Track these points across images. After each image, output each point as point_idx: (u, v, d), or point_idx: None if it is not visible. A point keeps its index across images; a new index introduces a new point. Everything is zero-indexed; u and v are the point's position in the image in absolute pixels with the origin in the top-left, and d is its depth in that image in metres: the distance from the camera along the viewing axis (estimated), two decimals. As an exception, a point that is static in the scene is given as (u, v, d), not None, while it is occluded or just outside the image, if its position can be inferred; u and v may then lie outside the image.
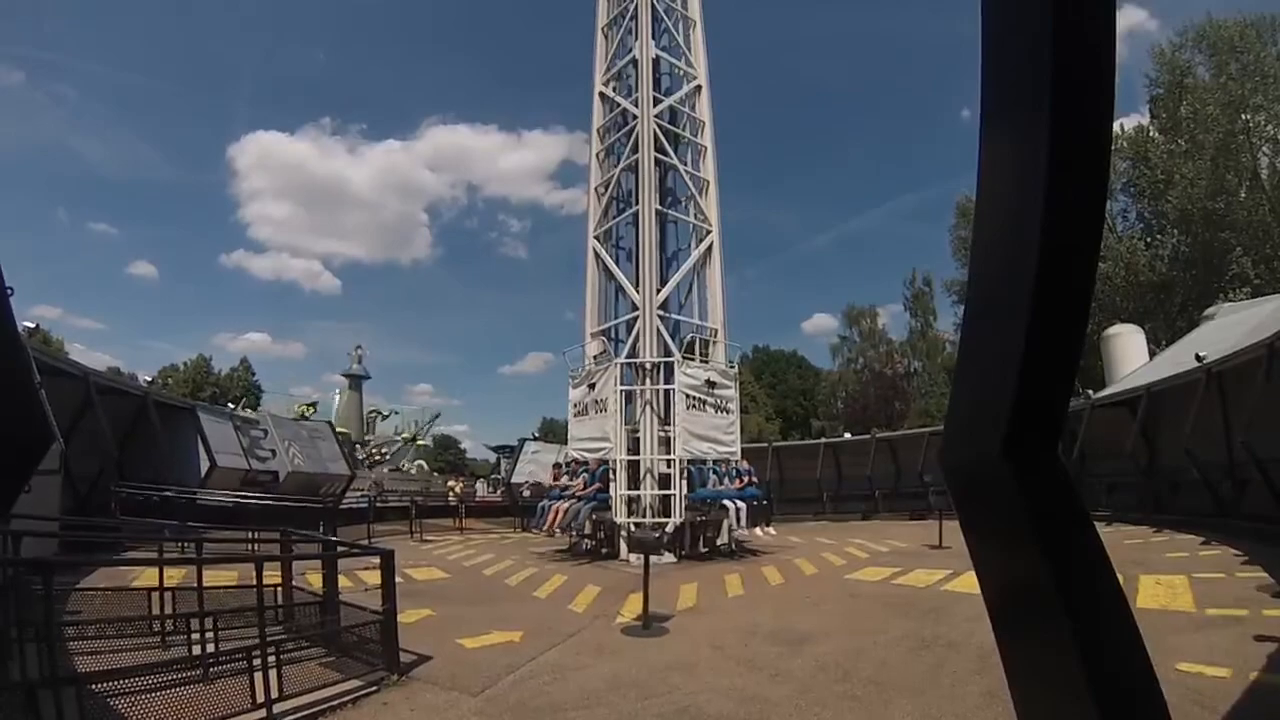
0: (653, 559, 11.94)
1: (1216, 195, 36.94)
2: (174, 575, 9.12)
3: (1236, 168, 36.97)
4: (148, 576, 9.21)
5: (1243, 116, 36.38)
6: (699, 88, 22.07)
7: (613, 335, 21.41)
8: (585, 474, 18.99)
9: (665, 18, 22.16)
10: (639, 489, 18.21)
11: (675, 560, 17.47)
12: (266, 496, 20.52)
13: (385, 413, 64.16)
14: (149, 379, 47.39)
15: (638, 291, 19.72)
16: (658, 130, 20.62)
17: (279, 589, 8.49)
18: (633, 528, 17.69)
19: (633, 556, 16.66)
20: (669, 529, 17.62)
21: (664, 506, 17.97)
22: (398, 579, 8.11)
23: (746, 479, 19.38)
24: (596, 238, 21.63)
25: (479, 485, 45.35)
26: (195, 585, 8.23)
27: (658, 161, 20.66)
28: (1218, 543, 13.60)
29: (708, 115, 22.04)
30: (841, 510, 30.83)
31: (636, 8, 21.72)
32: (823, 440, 35.32)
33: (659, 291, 19.73)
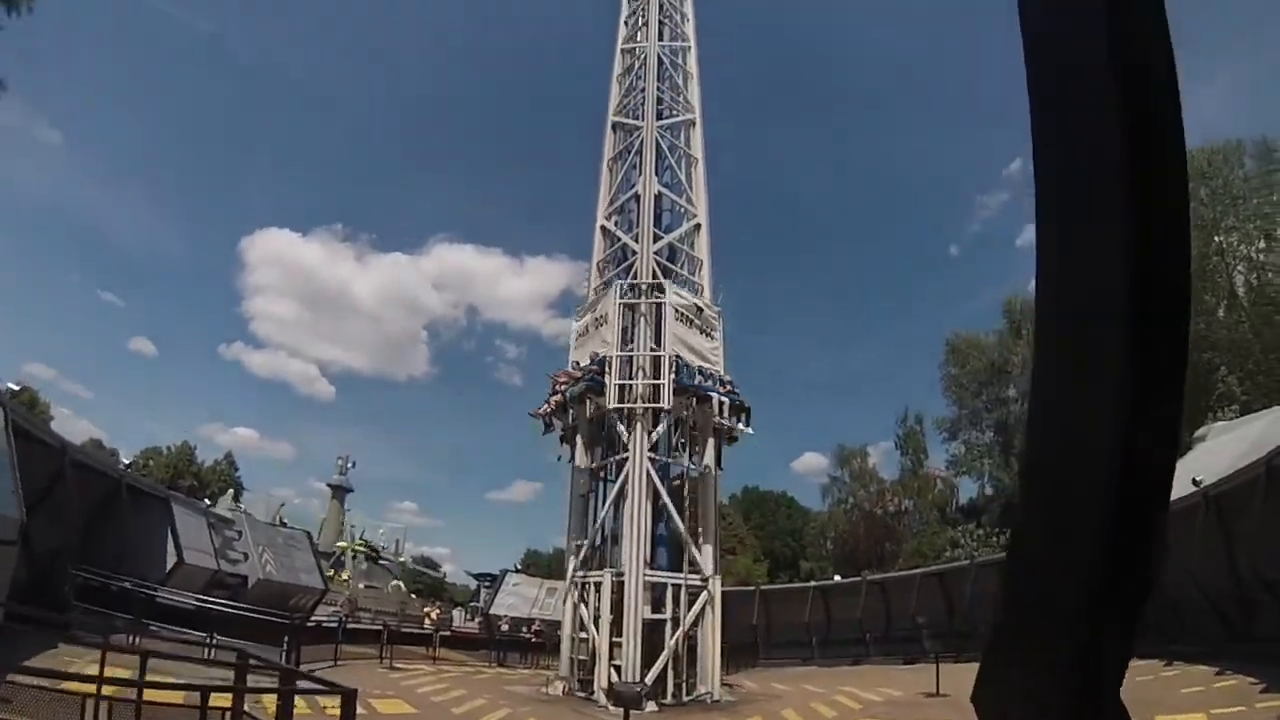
0: (633, 711, 11.31)
1: (1197, 316, 37.78)
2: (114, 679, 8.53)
3: (1214, 288, 37.78)
4: (87, 672, 8.62)
5: (1216, 238, 37.59)
6: (698, 225, 23.05)
7: (601, 475, 21.35)
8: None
9: (669, 154, 23.59)
10: (620, 637, 17.55)
11: (656, 709, 16.54)
12: (231, 605, 19.55)
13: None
14: (126, 463, 46.40)
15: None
16: (656, 267, 21.25)
17: (227, 714, 7.91)
18: (614, 676, 16.93)
19: (612, 706, 15.78)
20: (649, 679, 16.87)
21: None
22: (360, 710, 7.57)
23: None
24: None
25: (456, 613, 43.46)
26: (135, 699, 7.68)
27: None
28: (1232, 672, 12.80)
29: (706, 254, 22.86)
30: (831, 655, 29.41)
31: (642, 143, 23.08)
32: (812, 584, 34.34)
33: (650, 434, 19.46)
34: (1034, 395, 1.00)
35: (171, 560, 19.21)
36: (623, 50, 25.92)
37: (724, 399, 20.24)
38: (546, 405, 20.93)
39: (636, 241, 21.95)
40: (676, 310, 19.98)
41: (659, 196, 22.93)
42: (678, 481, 20.25)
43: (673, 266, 22.51)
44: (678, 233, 23.10)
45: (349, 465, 63.73)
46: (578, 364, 20.85)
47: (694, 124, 24.22)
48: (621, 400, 18.94)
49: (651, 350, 19.33)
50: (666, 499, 18.97)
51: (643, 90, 24.14)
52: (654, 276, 21.02)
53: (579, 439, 20.86)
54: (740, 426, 20.87)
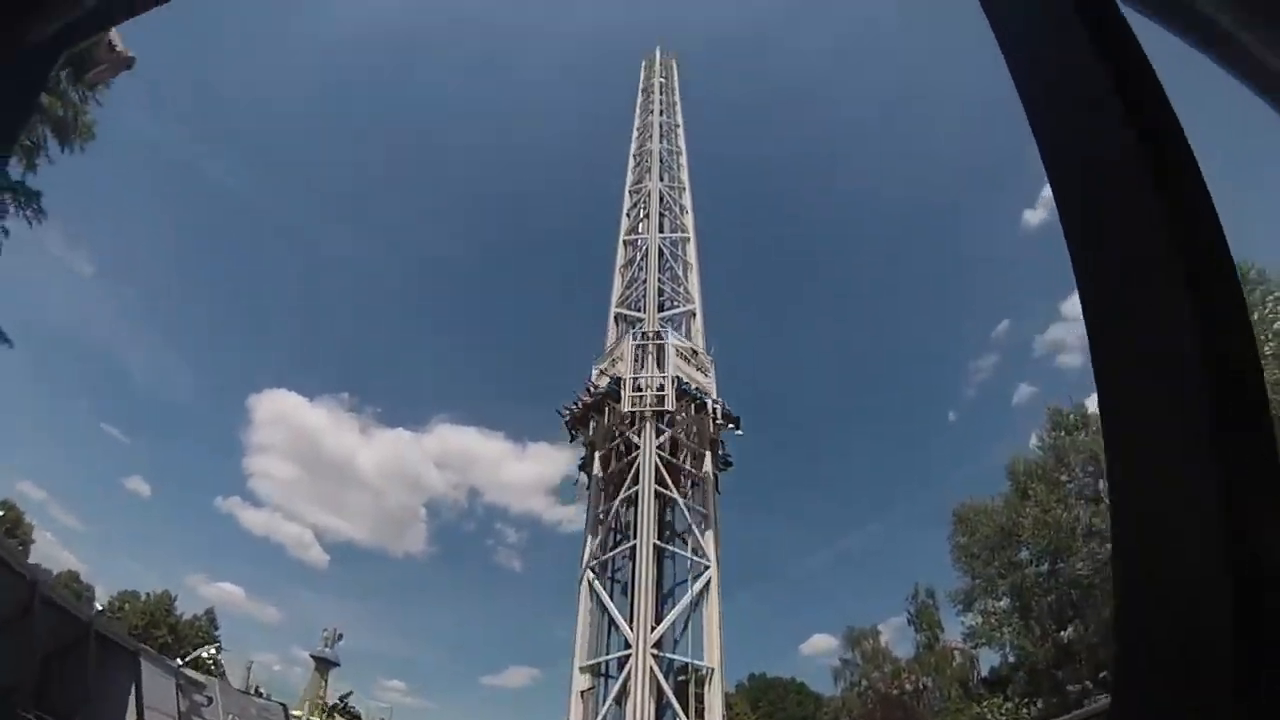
0: None
1: None
2: None
3: None
4: None
5: None
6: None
7: (603, 670, 19.64)
8: None
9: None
10: None
11: None
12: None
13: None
14: (100, 606, 43.31)
15: (632, 629, 18.39)
16: (659, 462, 20.32)
17: None
18: None
19: None
20: None
21: None
22: None
23: None
24: (591, 568, 20.59)
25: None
26: None
27: (658, 495, 20.11)
28: None
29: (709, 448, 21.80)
30: None
31: (643, 335, 22.47)
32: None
33: (654, 629, 18.42)
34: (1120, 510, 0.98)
35: (131, 720, 17.04)
36: (625, 242, 26.18)
37: (716, 405, 22.35)
38: (575, 405, 22.78)
39: (639, 437, 20.87)
40: (677, 349, 22.17)
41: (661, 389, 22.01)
42: (683, 677, 19.04)
43: (675, 461, 21.42)
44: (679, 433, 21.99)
45: (336, 638, 59.42)
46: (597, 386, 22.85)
47: (694, 315, 24.04)
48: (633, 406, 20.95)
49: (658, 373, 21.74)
50: (670, 696, 17.66)
51: (644, 282, 23.91)
52: (656, 480, 19.74)
53: (596, 455, 22.21)
54: (732, 428, 22.77)
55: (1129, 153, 0.97)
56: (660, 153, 28.38)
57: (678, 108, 31.54)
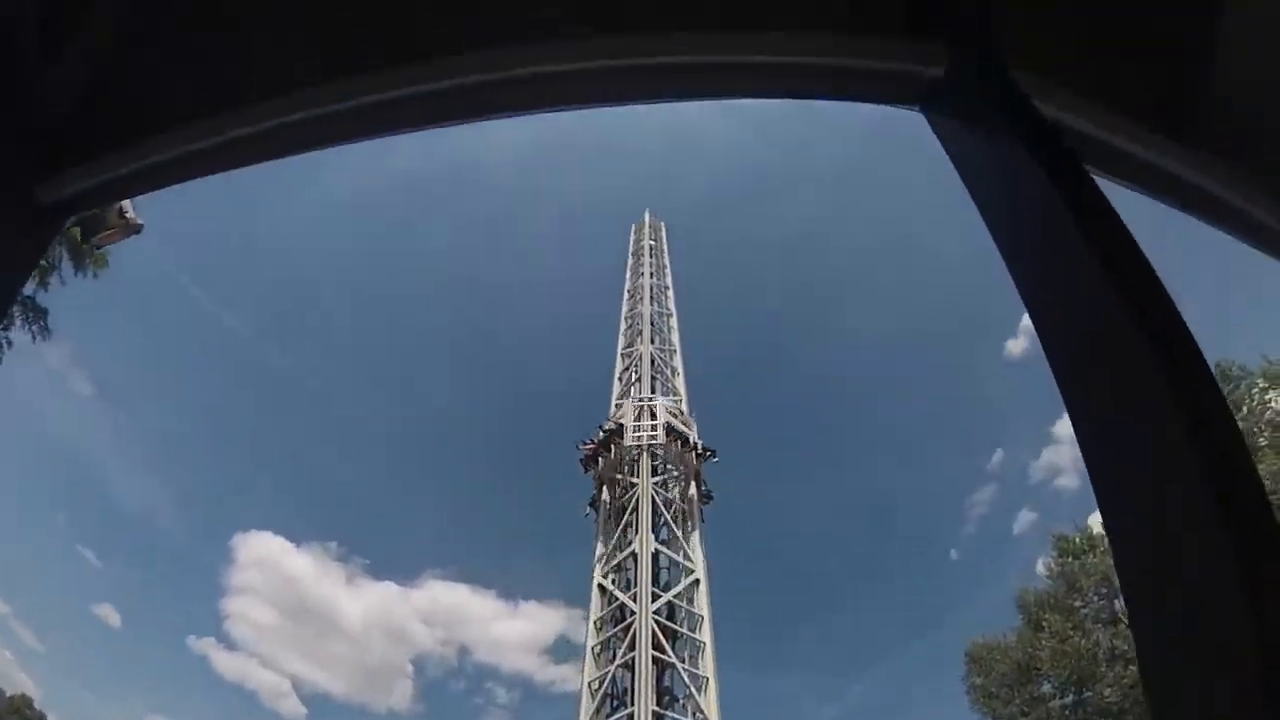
0: None
1: None
2: None
3: None
4: None
5: None
6: (697, 581, 22.58)
7: None
8: None
9: (664, 510, 23.62)
10: None
11: None
12: None
13: None
14: None
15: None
16: (656, 627, 20.62)
17: None
18: None
19: None
20: None
21: None
22: None
23: None
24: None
25: None
26: None
27: (655, 660, 20.31)
28: None
29: (706, 609, 22.24)
30: None
31: (637, 501, 23.24)
32: None
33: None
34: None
35: None
36: (616, 405, 27.30)
37: (697, 440, 26.50)
38: (592, 442, 26.37)
39: (634, 601, 21.28)
40: (667, 409, 26.49)
41: (656, 555, 22.72)
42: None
43: (673, 625, 21.78)
44: (676, 590, 22.76)
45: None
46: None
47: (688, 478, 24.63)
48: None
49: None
50: None
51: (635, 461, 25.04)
52: (653, 644, 20.01)
53: (604, 487, 25.39)
54: (710, 455, 26.43)
55: (1100, 290, 1.04)
56: (651, 315, 30.19)
57: (667, 270, 33.62)
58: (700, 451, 26.12)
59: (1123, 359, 1.03)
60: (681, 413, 27.25)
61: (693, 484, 25.06)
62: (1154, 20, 1.80)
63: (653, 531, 23.04)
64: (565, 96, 1.87)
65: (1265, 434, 28.72)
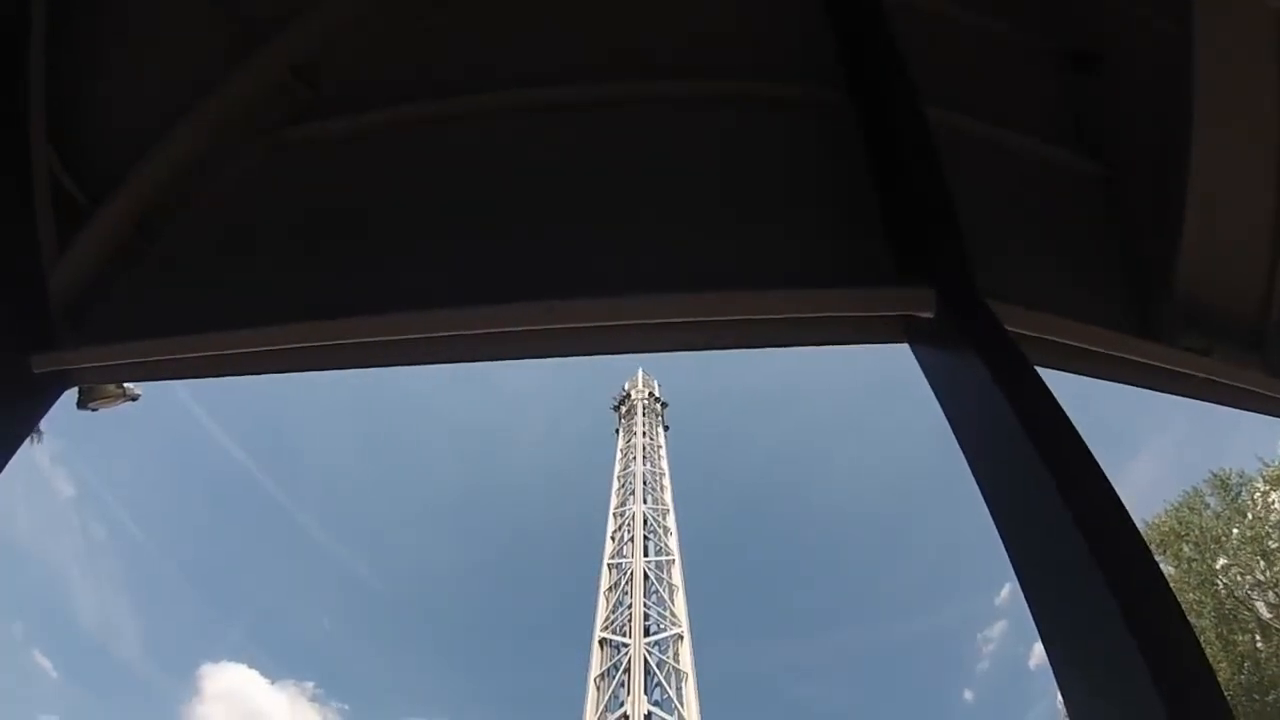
0: None
1: (1242, 661, 32.89)
2: None
3: (1241, 626, 33.42)
4: None
5: (1219, 582, 34.31)
6: (692, 747, 22.31)
7: None
8: None
9: (657, 670, 23.72)
10: None
11: None
12: None
13: None
14: None
15: None
16: None
17: None
18: None
19: None
20: None
21: None
22: None
23: None
24: None
25: None
26: None
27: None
28: None
29: (700, 775, 21.81)
30: None
31: (629, 661, 23.39)
32: None
33: None
34: None
35: None
36: (609, 565, 27.89)
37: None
38: None
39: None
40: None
41: (649, 716, 22.53)
42: None
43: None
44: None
45: None
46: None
47: (682, 638, 24.82)
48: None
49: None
50: None
51: (629, 607, 25.22)
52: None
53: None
54: None
55: (1051, 503, 1.12)
56: (644, 474, 31.19)
57: (660, 429, 34.97)
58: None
59: (1064, 549, 1.11)
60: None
61: (686, 639, 25.30)
62: (1119, 241, 1.97)
63: (645, 693, 23.14)
64: (559, 349, 1.94)
65: (1275, 537, 28.77)
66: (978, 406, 1.44)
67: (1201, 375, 1.89)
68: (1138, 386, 1.91)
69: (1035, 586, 1.22)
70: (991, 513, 1.35)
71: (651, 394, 37.92)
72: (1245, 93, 1.86)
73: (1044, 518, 1.19)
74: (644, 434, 34.01)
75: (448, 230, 2.02)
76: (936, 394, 1.60)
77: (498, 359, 1.98)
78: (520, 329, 1.82)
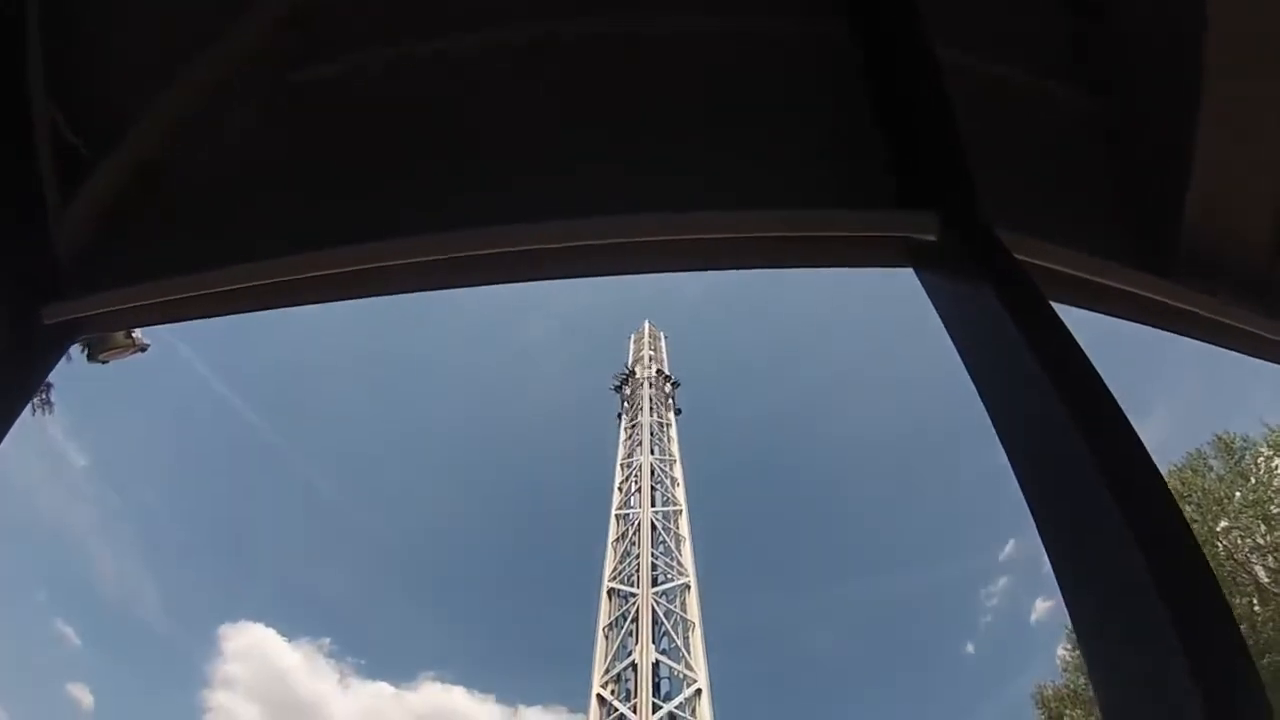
0: None
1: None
2: None
3: (1238, 589, 34.17)
4: None
5: (1219, 545, 34.93)
6: (699, 691, 22.56)
7: None
8: None
9: (664, 620, 23.88)
10: None
11: None
12: None
13: None
14: None
15: None
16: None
17: None
18: None
19: None
20: None
21: None
22: None
23: None
24: None
25: None
26: None
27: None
28: None
29: (709, 718, 22.03)
30: None
31: (638, 611, 23.55)
32: None
33: None
34: None
35: None
36: (616, 516, 27.92)
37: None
38: None
39: (635, 713, 21.28)
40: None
41: (656, 664, 22.77)
42: None
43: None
44: (677, 700, 22.53)
45: None
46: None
47: (689, 587, 24.98)
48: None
49: None
50: None
51: (637, 557, 25.32)
52: None
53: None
54: None
55: (1060, 428, 1.12)
56: (650, 426, 31.08)
57: (666, 381, 34.75)
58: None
59: (1081, 486, 1.11)
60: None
61: (693, 588, 25.47)
62: (1122, 167, 1.98)
63: (653, 641, 23.30)
64: (567, 269, 1.97)
65: (1276, 502, 28.89)
66: (983, 329, 1.45)
67: (1207, 315, 1.87)
68: (1142, 324, 1.90)
69: (1049, 521, 1.20)
70: (999, 433, 1.34)
71: (659, 371, 36.69)
72: (1260, 26, 1.77)
73: (1048, 428, 1.19)
74: (650, 386, 33.63)
75: (450, 163, 2.05)
76: (943, 320, 1.60)
77: (506, 281, 2.02)
78: (525, 249, 1.84)
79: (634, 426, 32.15)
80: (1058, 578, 1.14)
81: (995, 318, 1.38)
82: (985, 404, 1.40)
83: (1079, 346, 1.30)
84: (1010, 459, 1.31)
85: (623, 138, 2.04)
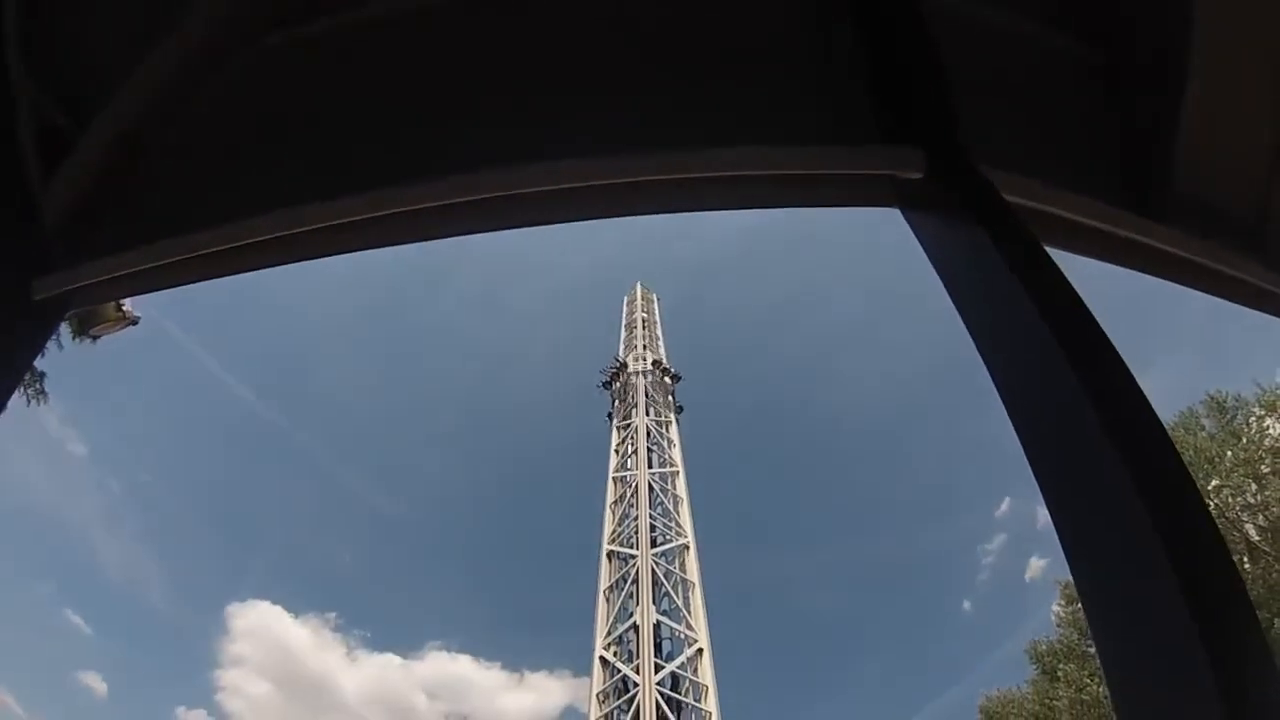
0: None
1: None
2: None
3: (1230, 546, 35.08)
4: None
5: (1210, 503, 35.77)
6: (700, 651, 22.74)
7: None
8: None
9: (665, 581, 23.95)
10: None
11: None
12: None
13: None
14: None
15: None
16: (660, 699, 20.70)
17: None
18: None
19: None
20: None
21: None
22: None
23: None
24: None
25: None
26: None
27: (661, 732, 20.30)
28: None
29: (710, 679, 22.31)
30: None
31: (638, 572, 23.59)
32: None
33: None
34: None
35: None
36: (614, 478, 27.81)
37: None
38: None
39: (637, 673, 21.46)
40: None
41: (658, 625, 22.91)
42: None
43: (677, 695, 21.82)
44: (679, 660, 22.76)
45: None
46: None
47: (688, 548, 25.00)
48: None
49: None
50: None
51: (635, 519, 25.31)
52: (658, 716, 20.14)
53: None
54: None
55: (1057, 366, 1.10)
56: (646, 387, 30.79)
57: (660, 342, 34.42)
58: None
59: (1078, 429, 1.10)
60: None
61: (691, 549, 25.54)
62: (1115, 113, 1.97)
63: (654, 602, 23.36)
64: (547, 214, 1.95)
65: (1267, 461, 29.09)
66: (970, 267, 1.45)
67: (1199, 260, 1.87)
68: (1136, 269, 1.89)
69: (1047, 469, 1.18)
70: (989, 369, 1.33)
71: (657, 363, 34.27)
72: None
73: (1043, 370, 1.18)
74: (644, 348, 33.27)
75: (434, 113, 2.03)
76: (931, 259, 1.60)
77: (498, 228, 1.98)
78: (517, 193, 1.81)
79: (626, 388, 31.82)
80: (1056, 524, 1.12)
81: (980, 251, 1.37)
82: (971, 334, 1.40)
83: (1069, 283, 1.30)
84: (1003, 398, 1.30)
85: (607, 79, 2.01)
